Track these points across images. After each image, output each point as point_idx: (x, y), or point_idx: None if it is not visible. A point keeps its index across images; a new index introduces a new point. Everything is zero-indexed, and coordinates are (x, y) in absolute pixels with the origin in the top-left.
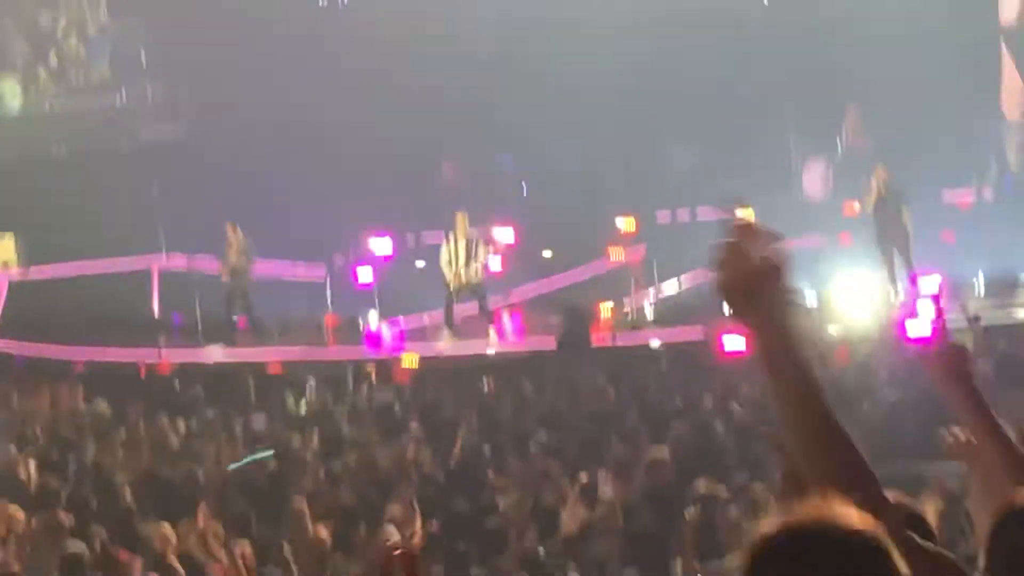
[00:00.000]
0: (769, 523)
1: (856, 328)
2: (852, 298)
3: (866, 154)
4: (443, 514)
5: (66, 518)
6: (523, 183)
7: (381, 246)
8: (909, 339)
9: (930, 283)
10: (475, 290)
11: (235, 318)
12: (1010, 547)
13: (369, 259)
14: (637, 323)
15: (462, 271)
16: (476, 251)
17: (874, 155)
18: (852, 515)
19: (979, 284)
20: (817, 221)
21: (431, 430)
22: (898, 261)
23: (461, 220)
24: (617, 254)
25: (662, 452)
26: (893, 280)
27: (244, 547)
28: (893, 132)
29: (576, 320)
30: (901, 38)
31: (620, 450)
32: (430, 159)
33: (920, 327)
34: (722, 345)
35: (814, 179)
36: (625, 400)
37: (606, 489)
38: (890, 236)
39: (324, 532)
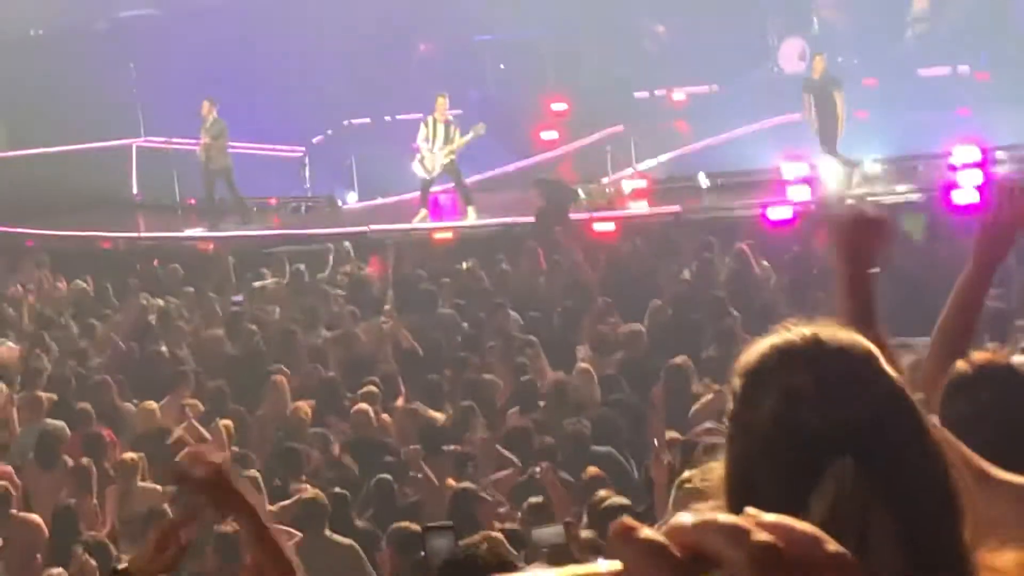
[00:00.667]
0: (757, 346)
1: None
2: (831, 173)
3: (842, 30)
4: (421, 391)
5: (46, 397)
6: (501, 64)
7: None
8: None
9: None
10: (449, 169)
11: (216, 197)
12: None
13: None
14: (613, 199)
15: (438, 152)
16: (453, 135)
17: (849, 31)
18: (837, 329)
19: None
20: (795, 97)
21: (409, 306)
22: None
23: (441, 103)
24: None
25: (638, 326)
26: (846, 160)
27: (224, 423)
28: (868, 9)
29: (554, 194)
30: None
31: (597, 324)
32: (408, 41)
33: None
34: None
35: (790, 55)
36: (602, 275)
37: (583, 363)
38: (826, 121)
39: (305, 407)
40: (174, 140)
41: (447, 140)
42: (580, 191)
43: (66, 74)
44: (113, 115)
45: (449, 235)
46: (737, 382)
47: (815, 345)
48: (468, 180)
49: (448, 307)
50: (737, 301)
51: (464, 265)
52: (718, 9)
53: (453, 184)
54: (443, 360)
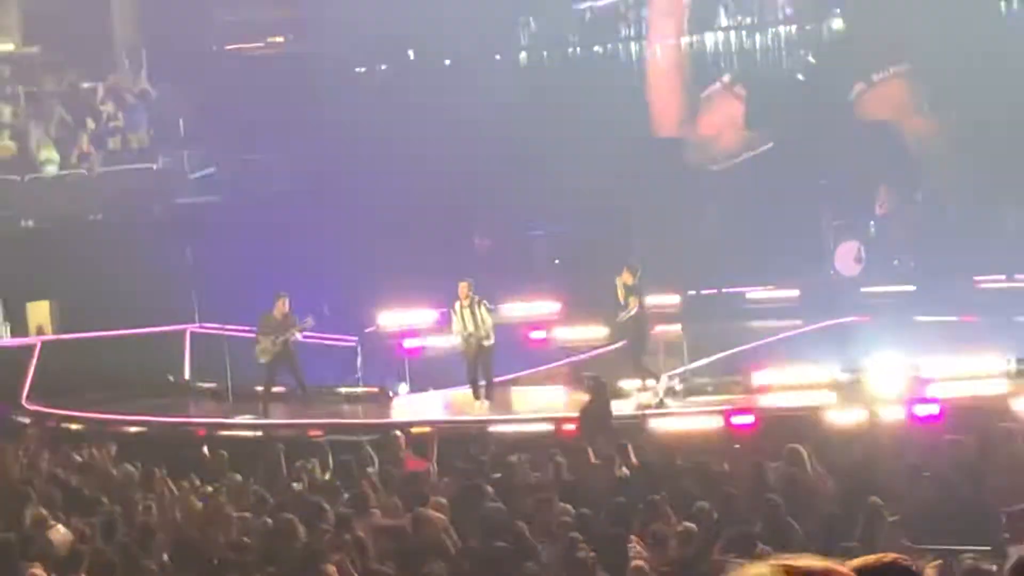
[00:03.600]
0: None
1: (882, 408)
2: (879, 378)
3: (897, 233)
4: None
5: None
6: (556, 259)
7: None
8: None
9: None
10: (483, 353)
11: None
12: None
13: (414, 331)
14: (664, 397)
15: (471, 338)
16: (480, 313)
17: (905, 235)
18: (811, 559)
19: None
20: (850, 299)
21: (457, 499)
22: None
23: (464, 288)
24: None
25: (690, 525)
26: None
27: None
28: (925, 212)
29: (601, 392)
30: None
31: (647, 524)
32: (463, 233)
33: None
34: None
35: (846, 258)
36: (652, 474)
37: (638, 561)
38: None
39: None
40: (228, 327)
41: (475, 322)
42: (632, 388)
43: (122, 259)
44: (168, 300)
45: (500, 428)
46: None
47: None
48: (522, 374)
49: (495, 501)
50: (790, 505)
51: (513, 459)
52: (777, 210)
53: (481, 370)
54: (489, 553)
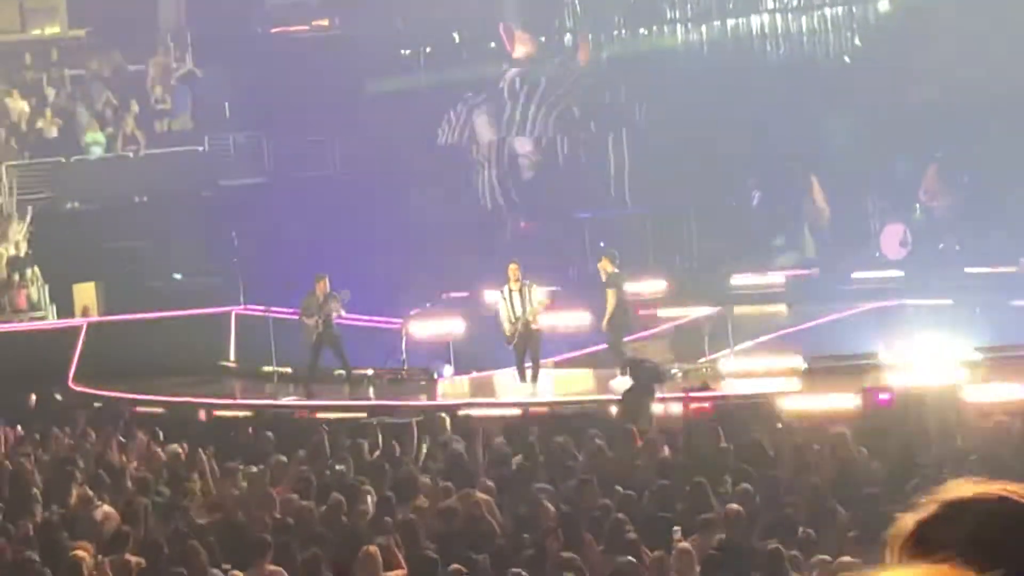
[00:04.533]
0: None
1: (925, 391)
2: (923, 359)
3: (942, 214)
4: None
5: (136, 562)
6: (601, 242)
7: None
8: None
9: None
10: (530, 338)
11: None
12: None
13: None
14: (708, 379)
15: (519, 321)
16: (529, 297)
17: (950, 215)
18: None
19: None
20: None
21: (502, 482)
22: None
23: (513, 271)
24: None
25: (734, 507)
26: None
27: None
28: (972, 195)
29: (643, 375)
30: (984, 99)
31: (691, 507)
32: (508, 217)
33: None
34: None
35: (891, 241)
36: (693, 455)
37: (681, 543)
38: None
39: None
40: (273, 308)
41: (524, 305)
42: (675, 370)
43: (167, 240)
44: (213, 282)
45: (545, 410)
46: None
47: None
48: (567, 356)
49: (540, 482)
50: (836, 489)
51: (558, 440)
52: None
53: (528, 353)
54: (534, 536)
